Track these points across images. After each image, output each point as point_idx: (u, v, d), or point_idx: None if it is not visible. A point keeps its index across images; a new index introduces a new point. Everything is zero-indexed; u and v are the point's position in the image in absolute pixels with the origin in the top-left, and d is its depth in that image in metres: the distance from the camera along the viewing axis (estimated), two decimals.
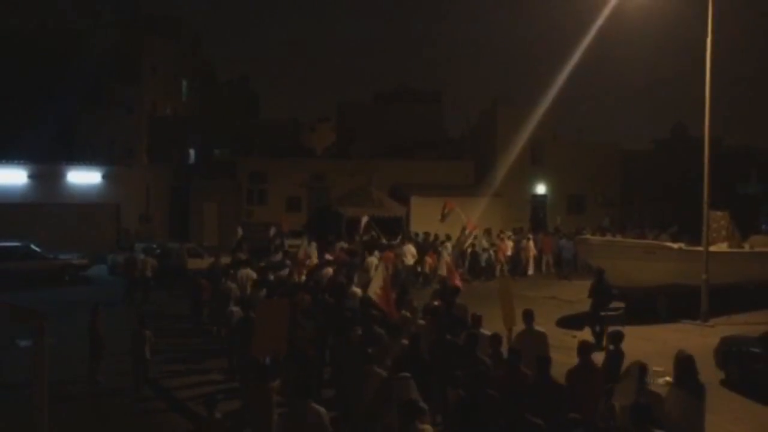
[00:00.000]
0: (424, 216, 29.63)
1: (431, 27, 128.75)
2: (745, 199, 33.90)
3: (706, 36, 17.05)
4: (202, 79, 49.32)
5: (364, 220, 23.89)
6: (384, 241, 23.66)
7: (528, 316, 9.63)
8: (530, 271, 25.48)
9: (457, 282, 14.69)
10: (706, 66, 17.11)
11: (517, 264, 25.60)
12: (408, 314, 10.98)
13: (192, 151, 40.80)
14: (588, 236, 21.81)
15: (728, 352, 11.83)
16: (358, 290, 13.47)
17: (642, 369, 7.43)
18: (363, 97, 70.01)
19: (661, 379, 11.38)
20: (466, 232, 22.22)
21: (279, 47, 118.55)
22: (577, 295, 19.04)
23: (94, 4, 42.52)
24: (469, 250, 24.69)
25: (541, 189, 36.74)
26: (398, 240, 23.76)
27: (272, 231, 25.05)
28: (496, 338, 9.00)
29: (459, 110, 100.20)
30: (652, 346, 13.92)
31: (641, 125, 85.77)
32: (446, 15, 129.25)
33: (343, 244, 22.50)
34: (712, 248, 17.61)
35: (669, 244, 20.01)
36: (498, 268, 24.82)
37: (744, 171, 37.24)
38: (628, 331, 14.95)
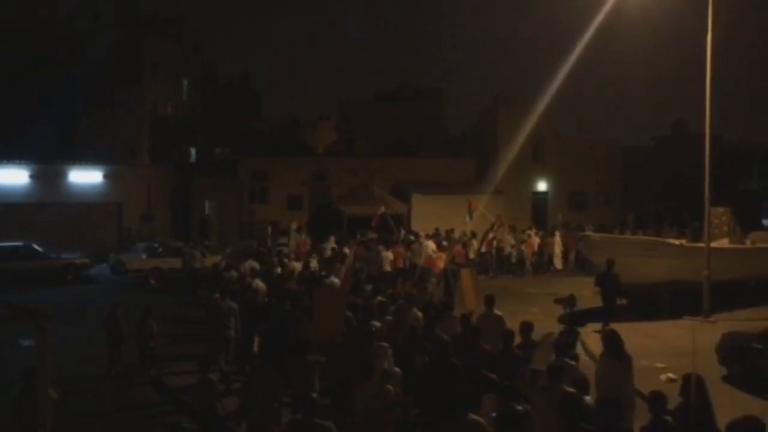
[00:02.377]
0: (426, 213, 29.68)
1: (432, 25, 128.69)
2: (746, 196, 33.85)
3: (706, 32, 17.02)
4: (203, 79, 49.41)
5: (381, 211, 23.97)
6: (411, 236, 23.80)
7: (489, 300, 10.77)
8: (559, 266, 25.73)
9: (435, 268, 16.46)
10: (706, 62, 17.07)
11: (541, 260, 25.92)
12: (383, 300, 11.98)
13: (193, 150, 40.86)
14: (589, 233, 21.80)
15: (730, 349, 11.83)
16: (336, 281, 14.13)
17: (557, 343, 8.31)
18: (364, 95, 70.27)
19: (664, 376, 11.37)
20: (494, 226, 22.34)
21: (280, 46, 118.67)
22: (577, 292, 19.00)
23: (96, 4, 42.50)
24: (494, 245, 24.86)
25: (542, 186, 36.74)
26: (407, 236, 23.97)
27: (294, 225, 25.41)
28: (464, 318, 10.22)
29: (460, 108, 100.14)
30: (653, 343, 13.95)
31: (642, 122, 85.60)
32: (447, 12, 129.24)
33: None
34: (713, 244, 17.60)
35: (671, 240, 20.00)
36: (526, 263, 25.31)
37: (745, 167, 37.24)
38: (630, 327, 15.08)
